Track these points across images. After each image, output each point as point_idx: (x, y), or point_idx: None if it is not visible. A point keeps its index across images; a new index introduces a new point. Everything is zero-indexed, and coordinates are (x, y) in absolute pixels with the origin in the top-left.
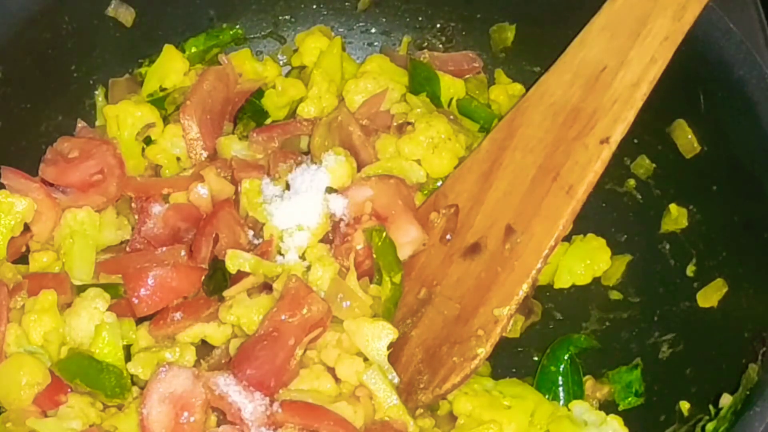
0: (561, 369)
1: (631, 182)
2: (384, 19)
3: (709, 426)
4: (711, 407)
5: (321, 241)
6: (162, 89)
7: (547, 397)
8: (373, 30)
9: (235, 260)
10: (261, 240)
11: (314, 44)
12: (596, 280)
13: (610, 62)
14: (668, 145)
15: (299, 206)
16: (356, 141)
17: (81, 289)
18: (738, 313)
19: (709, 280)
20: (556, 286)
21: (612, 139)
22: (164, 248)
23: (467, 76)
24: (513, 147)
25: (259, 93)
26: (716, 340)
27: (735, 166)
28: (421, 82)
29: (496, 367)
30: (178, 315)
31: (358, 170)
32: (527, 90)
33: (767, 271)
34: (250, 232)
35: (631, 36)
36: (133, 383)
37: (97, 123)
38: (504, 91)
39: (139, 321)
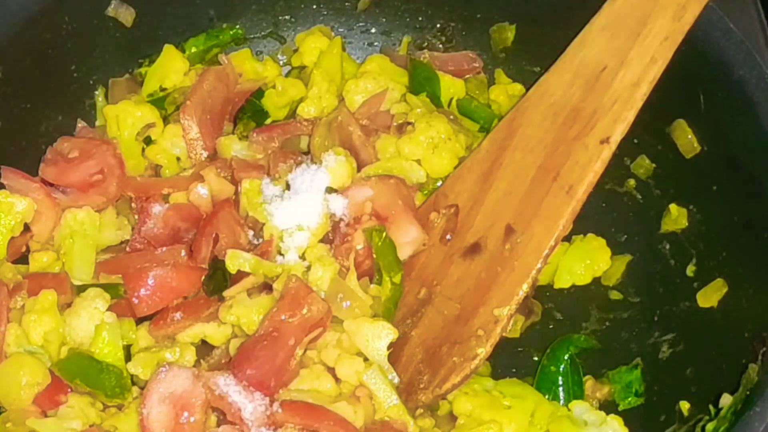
0: (561, 369)
1: (631, 182)
2: (384, 19)
3: (709, 426)
4: (711, 407)
5: (321, 241)
6: (162, 89)
7: (547, 397)
8: (373, 30)
9: (235, 260)
10: (261, 240)
11: (314, 44)
12: (596, 280)
13: (610, 62)
14: (668, 145)
15: (299, 206)
16: (356, 141)
17: (81, 289)
18: (738, 313)
19: (709, 280)
20: (556, 286)
21: (612, 139)
22: (164, 248)
23: (467, 76)
24: (513, 147)
25: (259, 93)
26: (716, 340)
27: (735, 166)
28: (421, 82)
29: (496, 367)
30: (178, 315)
31: (358, 170)
32: (527, 90)
33: (767, 271)
34: (250, 232)
35: (631, 36)
36: (133, 383)
37: (97, 123)
38: (504, 91)
39: (139, 321)
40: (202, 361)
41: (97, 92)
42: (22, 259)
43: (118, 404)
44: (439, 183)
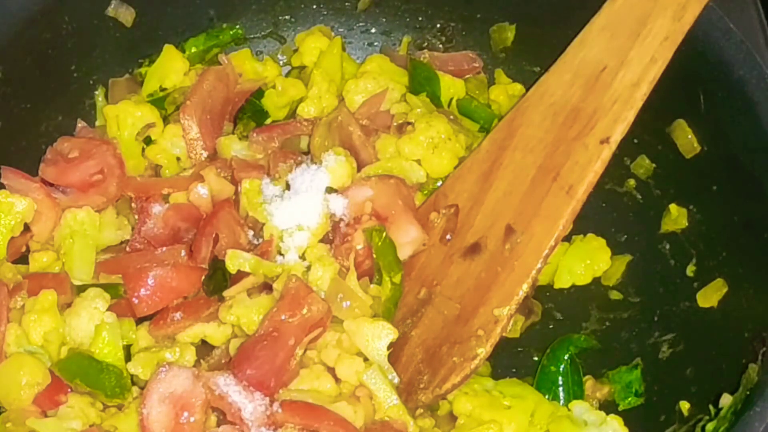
0: (561, 369)
1: (631, 182)
2: (384, 19)
3: (709, 426)
4: (711, 407)
5: (321, 241)
6: (162, 89)
7: (547, 397)
8: (373, 30)
9: (235, 260)
10: (261, 240)
11: (314, 44)
12: (596, 280)
13: (610, 62)
14: (668, 145)
15: (299, 206)
16: (356, 141)
17: (81, 289)
18: (738, 313)
19: (709, 280)
20: (556, 286)
21: (612, 139)
22: (164, 248)
23: (467, 76)
24: (513, 147)
25: (259, 93)
26: (716, 340)
27: (735, 166)
28: (421, 82)
29: (496, 367)
30: (178, 315)
31: (358, 170)
32: (527, 90)
33: (767, 271)
34: (250, 232)
35: (631, 36)
36: (133, 383)
37: (97, 123)
38: (504, 91)
39: (139, 321)
40: (202, 361)
41: (97, 92)
42: (22, 259)
43: (118, 404)
44: (439, 183)
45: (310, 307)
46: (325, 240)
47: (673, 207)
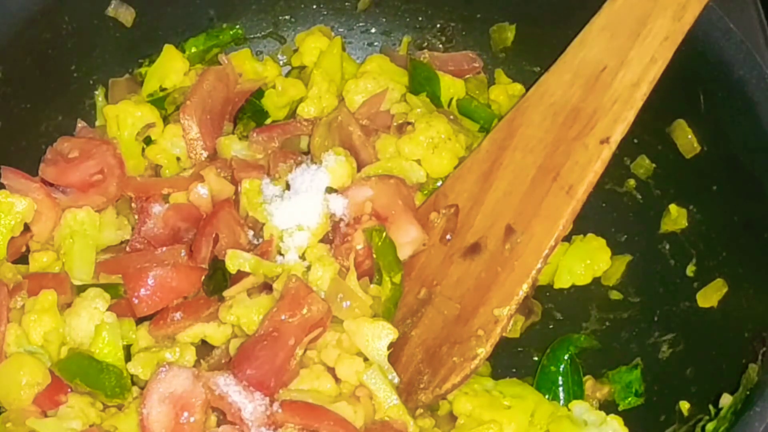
0: (561, 369)
1: (631, 182)
2: (384, 19)
3: (709, 426)
4: (711, 407)
5: (321, 241)
6: (162, 89)
7: (547, 397)
8: (373, 30)
9: (235, 260)
10: (261, 240)
11: (314, 44)
12: (596, 280)
13: (610, 62)
14: (668, 145)
15: (299, 206)
16: (356, 141)
17: (81, 289)
18: (738, 313)
19: (709, 280)
20: (556, 286)
21: (612, 139)
22: (164, 248)
23: (467, 76)
24: (513, 147)
25: (259, 93)
26: (716, 340)
27: (735, 166)
28: (421, 82)
29: (496, 367)
30: (178, 315)
31: (358, 170)
32: (527, 90)
33: (767, 271)
34: (250, 232)
35: (631, 36)
36: (133, 383)
37: (97, 123)
38: (504, 91)
39: (139, 321)
40: (202, 361)
41: (97, 92)
42: (22, 259)
43: (118, 404)
44: (439, 183)
45: (310, 307)
46: (325, 240)
47: (673, 207)
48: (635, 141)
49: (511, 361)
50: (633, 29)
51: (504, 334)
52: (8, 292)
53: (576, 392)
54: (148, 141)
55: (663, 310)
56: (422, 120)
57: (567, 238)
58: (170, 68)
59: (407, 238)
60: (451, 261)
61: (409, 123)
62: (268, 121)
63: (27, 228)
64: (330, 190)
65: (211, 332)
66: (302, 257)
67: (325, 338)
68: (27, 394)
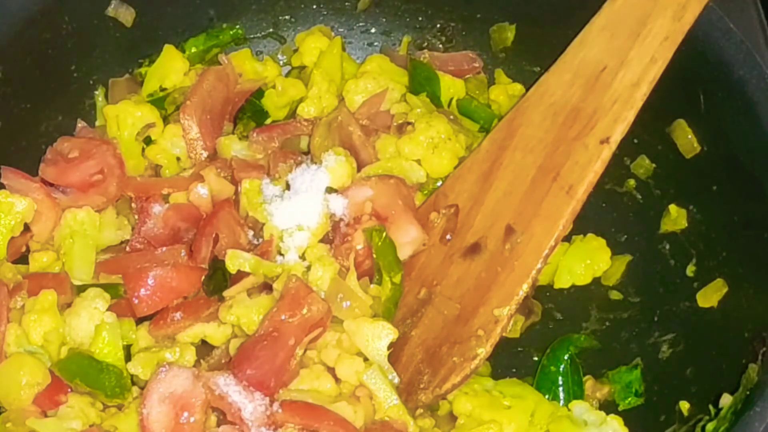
0: (561, 369)
1: (631, 182)
2: (384, 19)
3: (709, 426)
4: (711, 407)
5: (321, 241)
6: (162, 89)
7: (547, 397)
8: (373, 30)
9: (235, 260)
10: (261, 240)
11: (314, 44)
12: (596, 280)
13: (610, 62)
14: (668, 145)
15: (299, 206)
16: (356, 141)
17: (81, 289)
18: (738, 313)
19: (709, 280)
20: (556, 286)
21: (612, 139)
22: (164, 248)
23: (467, 76)
24: (513, 147)
25: (259, 93)
26: (716, 340)
27: (735, 166)
28: (421, 82)
29: (496, 367)
30: (178, 315)
31: (358, 170)
32: (527, 90)
33: (767, 271)
34: (250, 232)
35: (631, 36)
36: (133, 383)
37: (97, 123)
38: (504, 91)
39: (139, 321)
40: (202, 361)
41: (97, 92)
42: (22, 259)
43: (118, 404)
44: (439, 183)
45: (310, 307)
46: (325, 240)
47: (672, 208)
48: (635, 141)
49: (511, 361)
50: (633, 29)
51: (504, 334)
52: (8, 292)
53: (576, 392)
54: (148, 141)
55: (663, 310)
56: (422, 120)
57: (567, 238)
58: (170, 68)
59: (407, 238)
60: (451, 261)
61: (409, 123)
62: (268, 121)
63: (27, 228)
64: (330, 190)
65: (211, 332)
66: (302, 257)
67: (325, 338)
68: (27, 394)
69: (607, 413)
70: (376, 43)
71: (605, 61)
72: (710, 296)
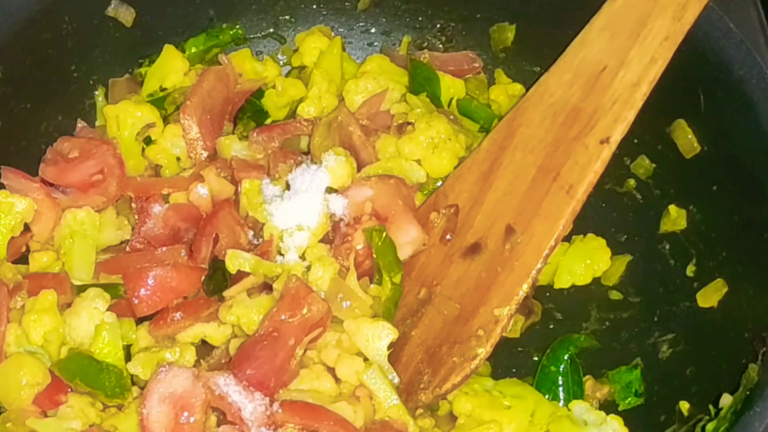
0: (561, 369)
1: (631, 182)
2: (384, 19)
3: (709, 426)
4: (711, 407)
5: (321, 241)
6: (162, 89)
7: (547, 397)
8: (373, 30)
9: (235, 260)
10: (261, 240)
11: (314, 44)
12: (596, 280)
13: (610, 62)
14: (668, 145)
15: (299, 206)
16: (356, 141)
17: (81, 289)
18: (738, 313)
19: (709, 280)
20: (556, 286)
21: (612, 139)
22: (164, 248)
23: (467, 76)
24: (513, 147)
25: (259, 93)
26: (716, 340)
27: (735, 166)
28: (421, 82)
29: (496, 367)
30: (178, 315)
31: (358, 170)
32: (527, 90)
33: (767, 271)
34: (250, 232)
35: (631, 36)
36: (133, 383)
37: (97, 123)
38: (504, 91)
39: (139, 321)
40: (202, 361)
41: (97, 92)
42: (22, 259)
43: (118, 404)
44: (439, 183)
45: (310, 307)
46: (325, 240)
47: (672, 208)
48: (635, 141)
49: (511, 361)
50: (633, 29)
51: (504, 334)
52: (8, 292)
53: (576, 392)
54: (148, 141)
55: (663, 310)
56: (422, 120)
57: (567, 238)
58: (170, 68)
59: (407, 238)
60: (451, 261)
61: (409, 123)
62: (268, 121)
63: (27, 228)
64: (330, 190)
65: (211, 332)
66: (302, 257)
67: (325, 338)
68: (27, 394)
69: (607, 413)
70: (376, 43)
71: (605, 61)
72: (710, 296)
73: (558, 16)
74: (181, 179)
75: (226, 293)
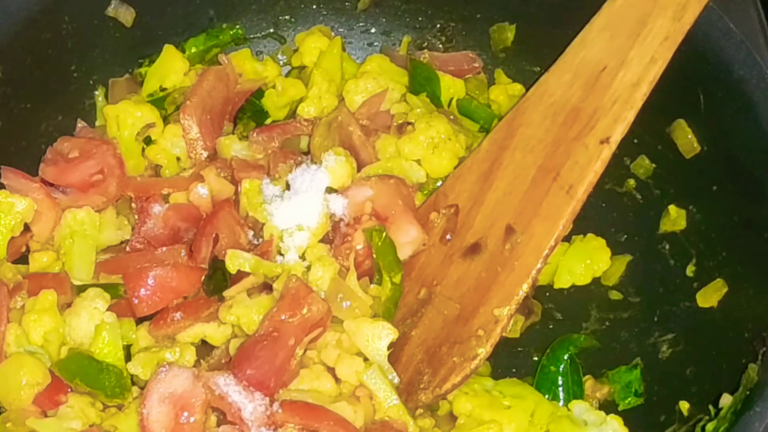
0: (561, 369)
1: (631, 182)
2: (384, 19)
3: (709, 426)
4: (711, 407)
5: (321, 241)
6: (162, 89)
7: (547, 397)
8: (373, 30)
9: (235, 260)
10: (261, 240)
11: (314, 44)
12: (596, 280)
13: (610, 62)
14: (668, 145)
15: (299, 206)
16: (356, 141)
17: (81, 289)
18: (738, 313)
19: (709, 280)
20: (556, 286)
21: (612, 139)
22: (164, 248)
23: (467, 76)
24: (513, 147)
25: (259, 93)
26: (716, 340)
27: (735, 166)
28: (421, 82)
29: (496, 367)
30: (178, 315)
31: (358, 170)
32: (527, 90)
33: (767, 271)
34: (250, 232)
35: (631, 36)
36: (133, 383)
37: (97, 123)
38: (504, 91)
39: (139, 321)
40: (202, 361)
41: (97, 92)
42: (22, 259)
43: (118, 404)
44: (439, 183)
45: (310, 307)
46: (325, 240)
47: (672, 208)
48: (635, 141)
49: (511, 361)
50: (633, 29)
51: (504, 334)
52: (8, 292)
53: (576, 392)
54: (148, 141)
55: (663, 310)
56: (422, 120)
57: (567, 238)
58: (170, 68)
59: (407, 238)
60: (451, 261)
61: (409, 123)
62: (268, 121)
63: (27, 228)
64: (330, 190)
65: (211, 332)
66: (302, 257)
67: (325, 338)
68: (27, 394)
69: (607, 413)
70: (376, 43)
71: (605, 61)
72: (710, 296)
73: (558, 16)
74: (181, 179)
75: (226, 293)
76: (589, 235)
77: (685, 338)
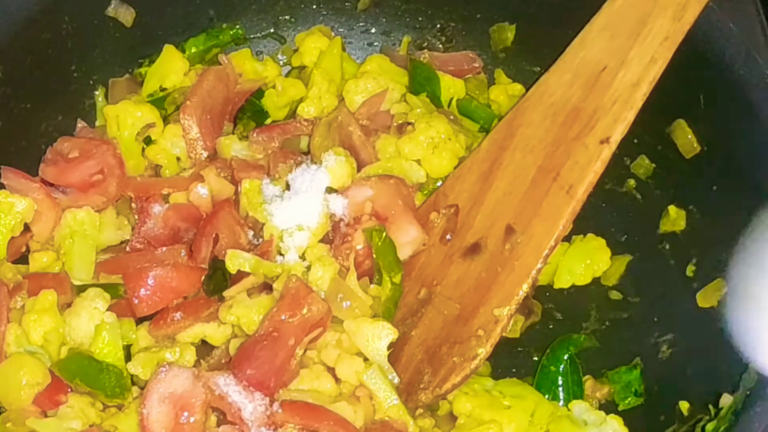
0: (561, 369)
1: (631, 182)
2: (384, 19)
3: (709, 426)
4: (711, 407)
5: (321, 241)
6: (162, 89)
7: (547, 397)
8: (373, 30)
9: (235, 260)
10: (261, 240)
11: (314, 44)
12: (596, 280)
13: (610, 62)
14: (668, 145)
15: (299, 206)
16: (356, 141)
17: (81, 289)
18: None
19: (709, 280)
20: (556, 286)
21: (612, 139)
22: (164, 248)
23: (467, 76)
24: (513, 147)
25: (259, 93)
26: (716, 340)
27: (735, 166)
28: (421, 82)
29: (496, 367)
30: (178, 315)
31: (358, 170)
32: (527, 90)
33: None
34: (250, 232)
35: (631, 36)
36: (133, 383)
37: (97, 123)
38: (504, 91)
39: (139, 321)
40: (202, 361)
41: (97, 92)
42: (22, 259)
43: (118, 404)
44: (439, 183)
45: (310, 307)
46: (325, 240)
47: (672, 208)
48: (635, 141)
49: (511, 361)
50: (633, 29)
51: (504, 334)
52: (8, 292)
53: (576, 392)
54: (148, 141)
55: (663, 310)
56: (422, 120)
57: (567, 238)
58: (170, 68)
59: (407, 238)
60: (451, 261)
61: (409, 123)
62: (268, 121)
63: (27, 228)
64: (330, 190)
65: (211, 332)
66: (302, 257)
67: (325, 338)
68: (27, 394)
69: (607, 413)
70: (376, 43)
71: (605, 61)
72: (710, 296)
73: (558, 16)
74: (181, 179)
75: (226, 293)
76: (589, 235)
77: (685, 338)
